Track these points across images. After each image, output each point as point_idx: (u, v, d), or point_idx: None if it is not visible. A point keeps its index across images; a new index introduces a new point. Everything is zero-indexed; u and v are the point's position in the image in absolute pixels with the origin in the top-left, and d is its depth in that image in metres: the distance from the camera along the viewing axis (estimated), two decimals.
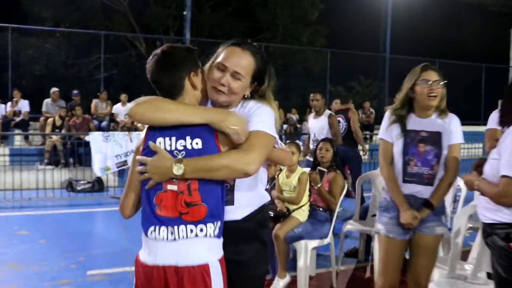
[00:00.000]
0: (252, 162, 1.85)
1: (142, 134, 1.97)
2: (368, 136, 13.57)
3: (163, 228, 1.88)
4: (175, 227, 1.87)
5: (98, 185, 9.64)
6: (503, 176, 2.37)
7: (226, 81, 1.99)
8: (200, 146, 1.87)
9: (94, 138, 9.14)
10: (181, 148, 1.87)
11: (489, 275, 3.09)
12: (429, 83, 2.92)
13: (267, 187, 4.60)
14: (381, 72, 18.28)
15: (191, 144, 1.87)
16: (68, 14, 19.19)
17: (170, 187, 1.87)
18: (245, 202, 2.06)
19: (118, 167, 8.89)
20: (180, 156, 1.86)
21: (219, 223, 1.90)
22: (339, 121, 7.17)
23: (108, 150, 9.11)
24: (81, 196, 9.17)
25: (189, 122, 1.87)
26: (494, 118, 3.52)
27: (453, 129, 3.00)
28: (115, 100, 12.74)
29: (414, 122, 3.01)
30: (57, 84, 13.14)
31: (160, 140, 1.90)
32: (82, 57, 17.23)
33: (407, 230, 3.00)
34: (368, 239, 5.01)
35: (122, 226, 6.33)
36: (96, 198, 9.00)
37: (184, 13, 14.26)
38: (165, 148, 1.88)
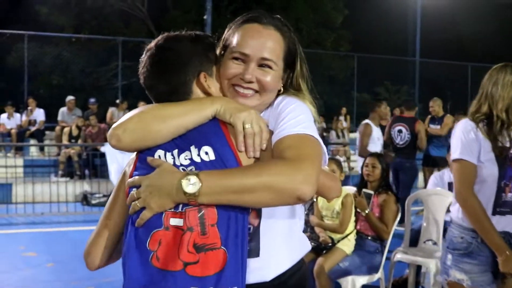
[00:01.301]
0: (308, 181, 1.18)
1: (133, 154, 1.37)
2: None
3: None
4: None
5: None
6: None
7: (252, 75, 1.33)
8: (212, 156, 1.24)
9: (110, 149, 8.76)
10: (187, 162, 1.26)
11: None
12: None
13: (304, 213, 3.98)
14: (411, 77, 17.49)
15: (198, 155, 1.25)
16: (86, 23, 19.07)
17: (174, 221, 1.21)
18: (278, 252, 1.37)
19: None
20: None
21: None
22: (400, 130, 6.62)
23: (124, 161, 8.65)
24: (96, 210, 8.61)
25: (198, 122, 1.27)
26: None
27: None
28: (133, 108, 12.29)
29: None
30: (74, 93, 12.79)
31: (159, 153, 1.29)
32: (101, 65, 16.94)
33: (496, 276, 2.33)
34: (418, 267, 4.35)
35: None
36: None
37: (205, 17, 13.77)
38: None
